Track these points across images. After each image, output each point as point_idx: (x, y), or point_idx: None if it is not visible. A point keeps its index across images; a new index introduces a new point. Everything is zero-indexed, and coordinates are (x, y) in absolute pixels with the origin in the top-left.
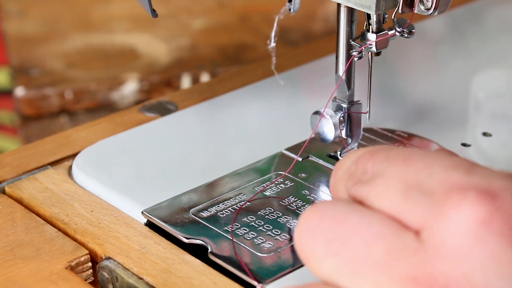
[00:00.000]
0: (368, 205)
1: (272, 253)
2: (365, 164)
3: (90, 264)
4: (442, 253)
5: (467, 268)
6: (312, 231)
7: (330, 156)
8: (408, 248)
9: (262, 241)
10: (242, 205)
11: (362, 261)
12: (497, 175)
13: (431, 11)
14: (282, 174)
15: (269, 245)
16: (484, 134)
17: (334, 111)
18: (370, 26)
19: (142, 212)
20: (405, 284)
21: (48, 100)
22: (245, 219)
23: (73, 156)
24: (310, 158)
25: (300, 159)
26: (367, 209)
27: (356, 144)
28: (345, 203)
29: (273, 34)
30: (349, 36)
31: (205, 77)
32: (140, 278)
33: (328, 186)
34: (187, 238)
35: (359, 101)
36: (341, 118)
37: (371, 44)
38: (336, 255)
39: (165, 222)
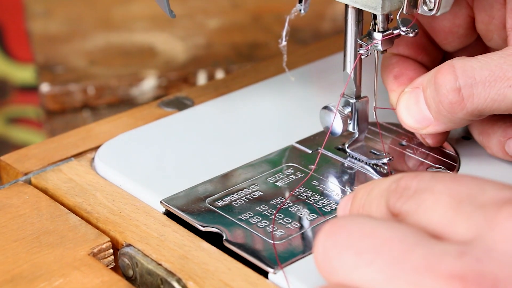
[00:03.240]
0: (413, 219)
1: (284, 240)
2: (408, 182)
3: (111, 250)
4: (492, 256)
5: None
6: (340, 245)
7: (338, 149)
8: (450, 252)
9: (274, 229)
10: (281, 205)
11: (399, 267)
12: None
13: (433, 11)
14: (312, 166)
15: (281, 233)
16: None
17: (342, 106)
18: (376, 26)
19: (160, 202)
20: (451, 283)
21: (72, 96)
22: (258, 208)
23: (95, 148)
24: (319, 150)
25: (310, 152)
26: (396, 223)
27: (363, 137)
28: (368, 217)
29: (284, 33)
30: (356, 35)
31: (220, 74)
32: (159, 264)
33: (336, 177)
34: (203, 226)
35: (366, 96)
36: (349, 113)
37: (377, 43)
38: (369, 265)
39: (183, 211)
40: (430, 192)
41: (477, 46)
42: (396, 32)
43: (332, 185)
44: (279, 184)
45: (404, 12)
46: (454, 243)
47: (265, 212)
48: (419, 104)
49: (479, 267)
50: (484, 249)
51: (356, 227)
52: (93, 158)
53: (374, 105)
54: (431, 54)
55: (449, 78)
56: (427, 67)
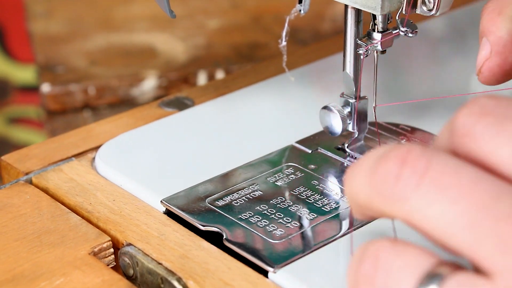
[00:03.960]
0: (493, 144)
1: (284, 240)
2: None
3: (112, 250)
4: None
5: None
6: (418, 174)
7: (338, 149)
8: None
9: (274, 228)
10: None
11: (484, 212)
12: None
13: (433, 11)
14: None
15: (281, 232)
16: None
17: (342, 106)
18: (376, 26)
19: (161, 201)
20: None
21: (72, 96)
22: (258, 207)
23: (96, 148)
24: (319, 150)
25: (310, 152)
26: (477, 168)
27: (363, 136)
28: (449, 155)
29: (284, 33)
30: (356, 35)
31: (220, 74)
32: (159, 263)
33: (336, 177)
34: (204, 226)
35: (366, 96)
36: (348, 112)
37: (376, 43)
38: (452, 204)
39: (183, 210)
40: None
41: None
42: (395, 32)
43: (332, 185)
44: (279, 183)
45: (404, 12)
46: None
47: (265, 212)
48: None
49: None
50: None
51: (437, 161)
52: (93, 158)
53: (374, 105)
54: None
55: None
56: None
